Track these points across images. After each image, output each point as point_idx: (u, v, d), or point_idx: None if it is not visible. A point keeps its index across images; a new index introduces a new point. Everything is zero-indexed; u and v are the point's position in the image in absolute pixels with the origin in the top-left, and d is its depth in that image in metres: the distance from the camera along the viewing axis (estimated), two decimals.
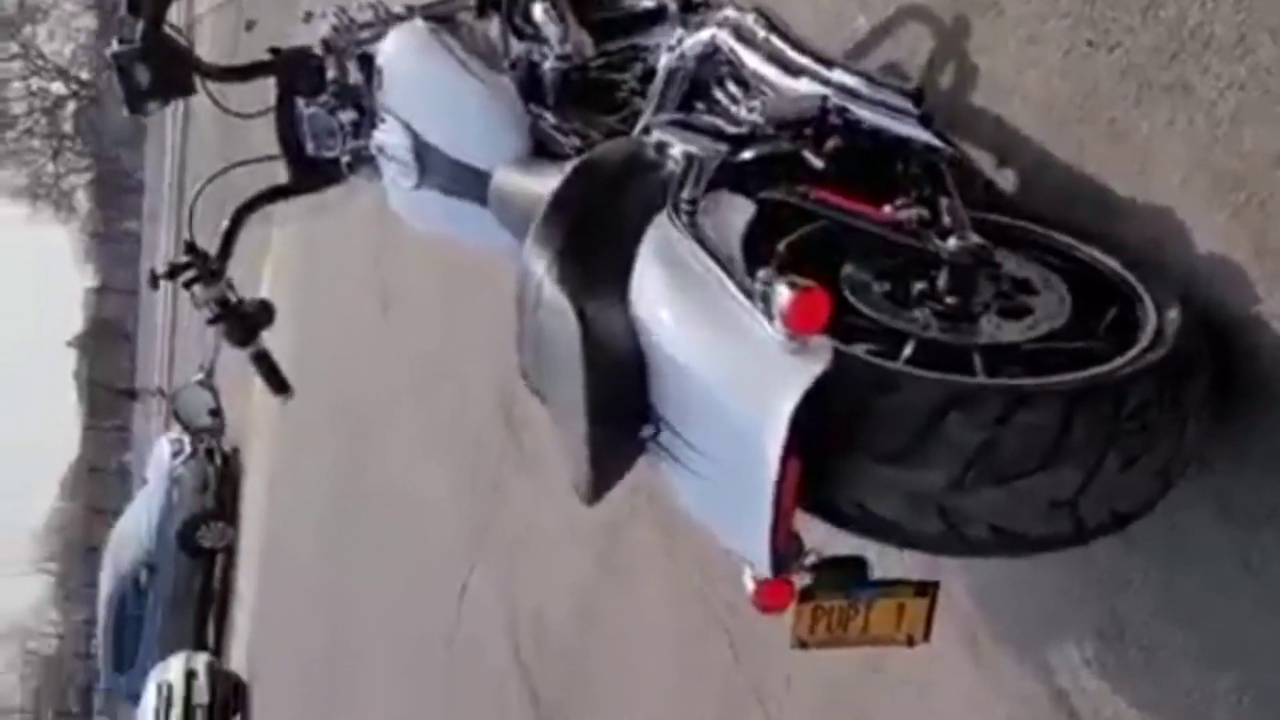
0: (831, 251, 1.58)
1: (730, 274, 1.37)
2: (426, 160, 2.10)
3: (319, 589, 6.84)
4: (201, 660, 10.41)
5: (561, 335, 1.44)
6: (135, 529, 11.95)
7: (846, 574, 1.41)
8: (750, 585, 1.39)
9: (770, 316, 1.27)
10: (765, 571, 1.32)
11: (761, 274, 1.32)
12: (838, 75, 1.77)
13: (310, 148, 2.25)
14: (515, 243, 2.06)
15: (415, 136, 2.11)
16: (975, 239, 1.49)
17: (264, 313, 2.20)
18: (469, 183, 2.05)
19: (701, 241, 1.45)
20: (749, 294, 1.32)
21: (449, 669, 4.47)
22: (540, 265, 1.52)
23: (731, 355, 1.32)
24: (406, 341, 5.46)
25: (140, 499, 12.41)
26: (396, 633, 5.25)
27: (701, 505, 1.40)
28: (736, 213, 1.56)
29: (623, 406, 1.42)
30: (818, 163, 1.70)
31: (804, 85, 1.79)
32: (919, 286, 1.50)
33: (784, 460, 1.23)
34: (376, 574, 5.66)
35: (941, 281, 1.48)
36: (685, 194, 1.54)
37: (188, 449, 11.82)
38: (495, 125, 2.03)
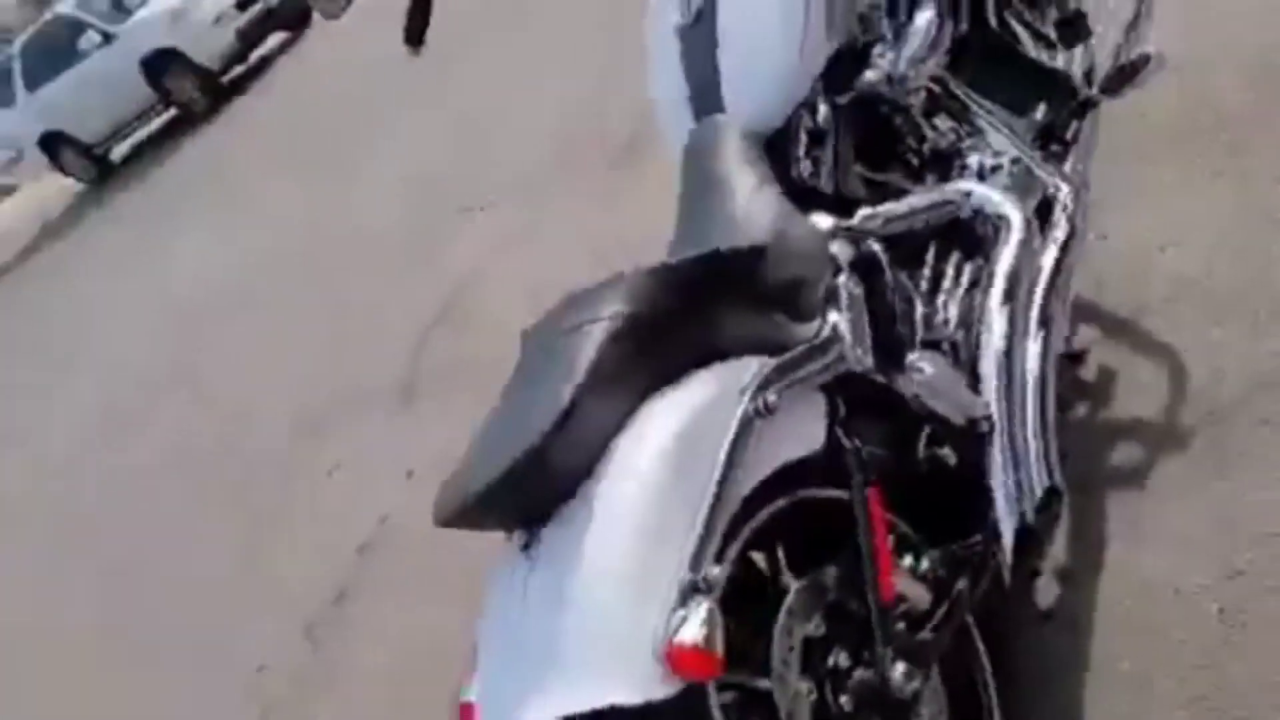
0: (824, 536, 1.43)
1: (703, 536, 1.23)
2: (700, 24, 1.80)
3: None
4: None
5: (549, 392, 1.29)
6: None
7: None
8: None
9: (665, 617, 1.16)
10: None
11: (715, 573, 1.20)
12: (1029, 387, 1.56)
13: None
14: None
15: None
16: (916, 686, 1.36)
17: None
18: (703, 89, 1.77)
19: (731, 457, 1.29)
20: (694, 567, 1.20)
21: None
22: (608, 308, 1.33)
23: (618, 595, 1.20)
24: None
25: None
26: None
27: (489, 638, 1.32)
28: (790, 442, 1.39)
29: (536, 493, 1.30)
30: (919, 456, 1.52)
31: (990, 363, 1.57)
32: (837, 659, 1.38)
33: None
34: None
35: (853, 686, 1.36)
36: (773, 391, 1.35)
37: None
38: (775, 70, 1.72)
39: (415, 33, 2.00)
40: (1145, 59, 1.89)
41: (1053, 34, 2.05)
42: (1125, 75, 1.91)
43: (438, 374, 3.72)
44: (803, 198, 1.68)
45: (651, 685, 1.15)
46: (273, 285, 5.47)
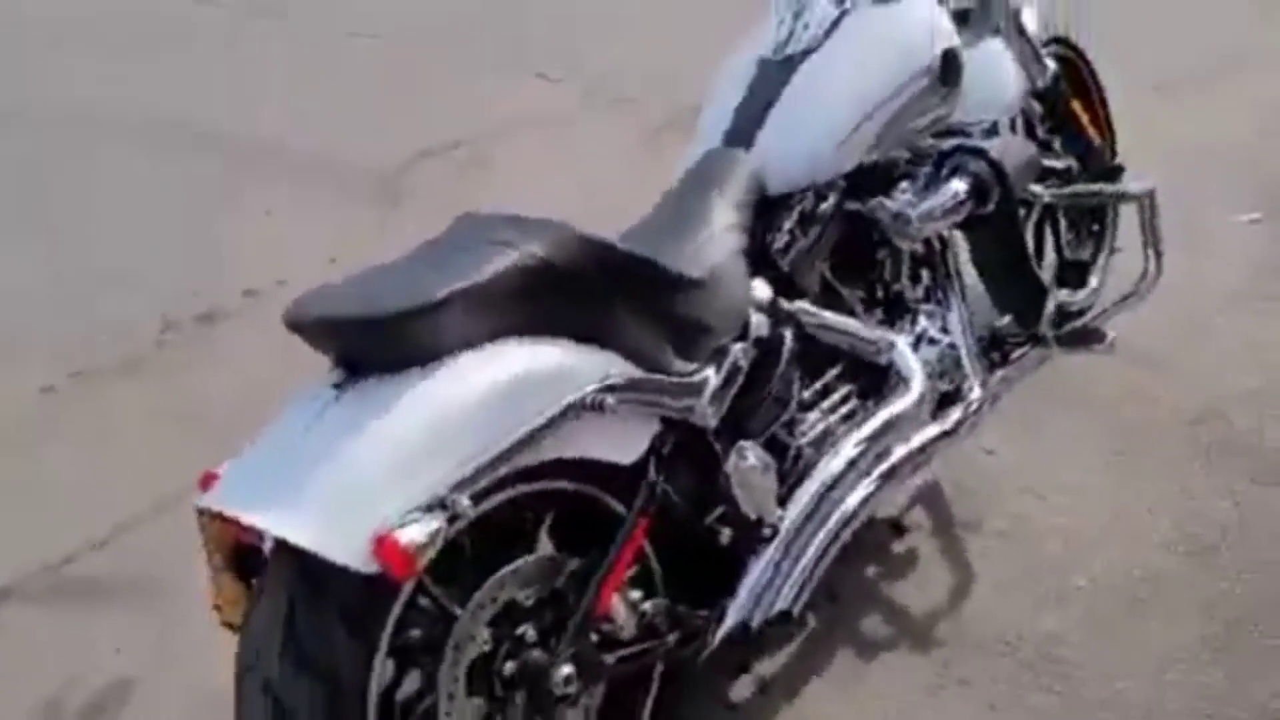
0: (587, 532, 1.54)
1: (478, 470, 1.32)
2: (780, 67, 1.87)
3: None
4: None
5: (439, 279, 1.35)
6: None
7: None
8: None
9: (402, 510, 1.26)
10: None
11: (464, 504, 1.29)
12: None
13: None
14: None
15: (834, 28, 1.87)
16: (572, 691, 1.49)
17: None
18: (744, 125, 1.84)
19: (547, 423, 1.38)
20: (455, 489, 1.29)
21: None
22: (535, 245, 1.40)
23: (383, 466, 1.29)
24: None
25: None
26: None
27: (267, 435, 1.38)
28: (606, 443, 1.48)
29: (376, 348, 1.36)
30: (704, 521, 1.63)
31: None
32: (525, 631, 1.47)
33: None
34: None
35: (523, 657, 1.46)
36: (616, 397, 1.44)
37: None
38: (808, 147, 1.80)
39: None
40: (1101, 337, 2.01)
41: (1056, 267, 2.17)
42: (1079, 338, 2.03)
43: (416, 192, 3.78)
44: (760, 262, 1.77)
45: (355, 555, 1.24)
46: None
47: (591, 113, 4.24)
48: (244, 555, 1.39)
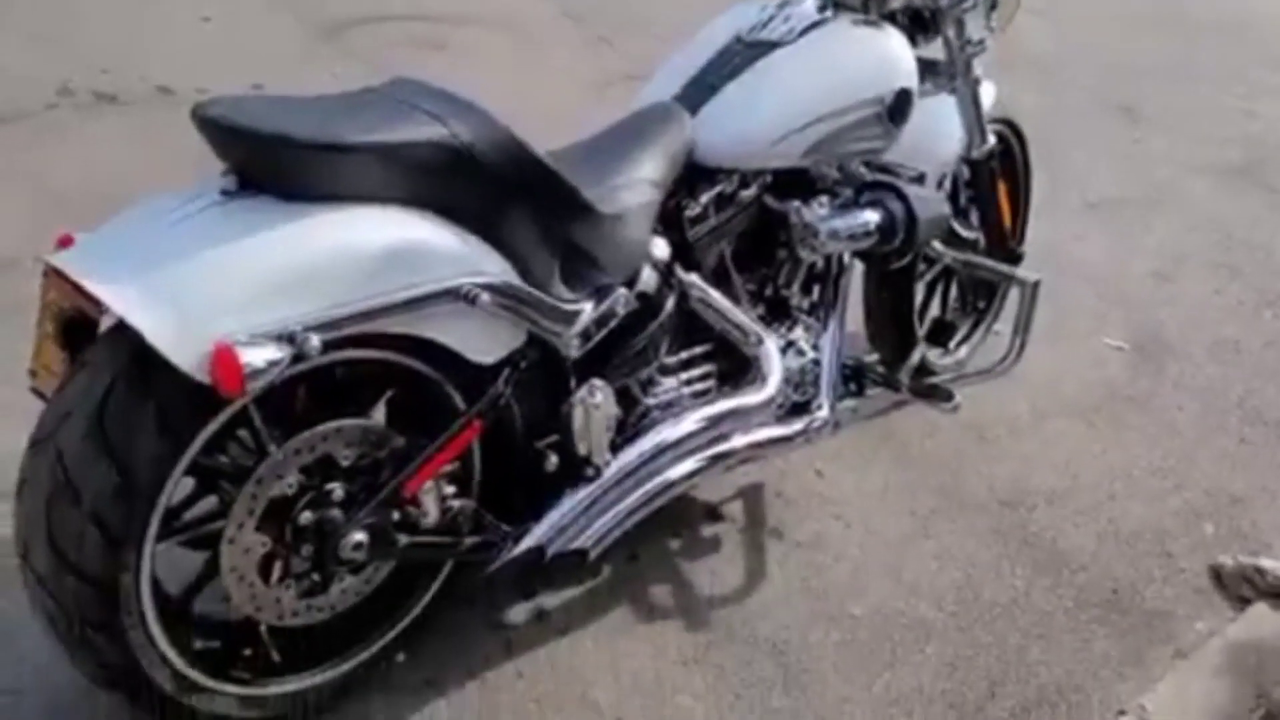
0: (421, 415, 1.56)
1: (337, 320, 1.34)
2: (752, 50, 1.90)
3: None
4: None
5: (355, 126, 1.38)
6: None
7: None
8: None
9: (249, 328, 1.26)
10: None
11: (313, 345, 1.30)
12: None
13: None
14: None
15: (809, 30, 1.91)
16: (355, 558, 1.52)
17: None
18: (698, 90, 1.88)
19: (414, 299, 1.40)
20: (308, 325, 1.31)
21: None
22: (460, 128, 1.42)
23: (248, 281, 1.29)
24: None
25: None
26: None
27: (140, 214, 1.36)
28: (466, 336, 1.50)
29: (278, 170, 1.36)
30: (536, 443, 1.67)
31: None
32: (332, 489, 1.50)
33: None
34: None
35: (320, 512, 1.49)
36: (490, 296, 1.47)
37: None
38: (746, 133, 1.85)
39: None
40: (949, 396, 2.13)
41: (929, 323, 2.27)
42: (929, 392, 2.14)
43: (364, 47, 3.70)
44: (668, 223, 1.81)
45: (190, 359, 1.24)
46: None
47: None
48: (75, 328, 1.38)
